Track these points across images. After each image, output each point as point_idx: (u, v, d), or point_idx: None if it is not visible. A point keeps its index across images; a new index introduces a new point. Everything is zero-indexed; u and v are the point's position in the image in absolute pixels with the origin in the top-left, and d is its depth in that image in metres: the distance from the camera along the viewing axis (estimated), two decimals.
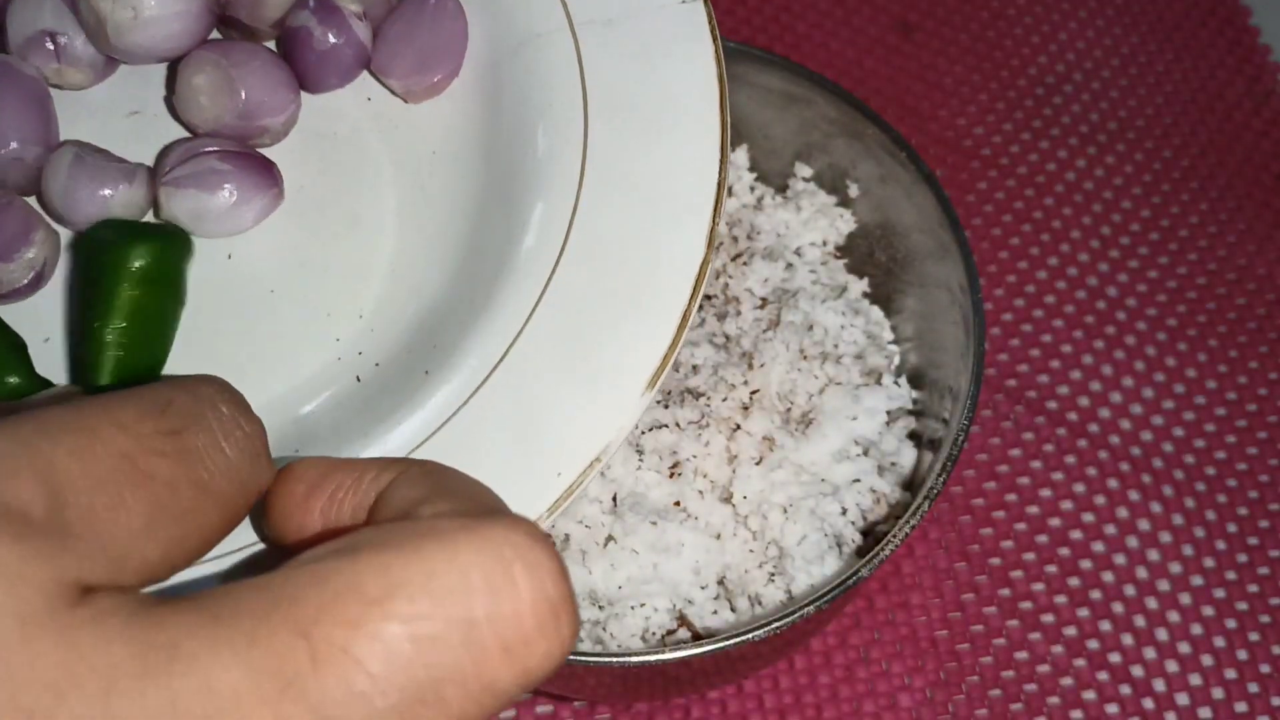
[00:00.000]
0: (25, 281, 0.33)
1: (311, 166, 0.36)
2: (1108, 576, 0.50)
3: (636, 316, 0.31)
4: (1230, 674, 0.48)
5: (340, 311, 0.34)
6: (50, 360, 0.33)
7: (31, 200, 0.34)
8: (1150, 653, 0.49)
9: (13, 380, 0.31)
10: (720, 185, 0.32)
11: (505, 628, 0.18)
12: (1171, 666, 0.48)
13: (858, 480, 0.43)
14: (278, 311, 0.34)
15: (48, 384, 0.32)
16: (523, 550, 0.19)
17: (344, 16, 0.35)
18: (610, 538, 0.41)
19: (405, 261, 0.34)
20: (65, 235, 0.35)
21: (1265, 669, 0.48)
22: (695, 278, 0.31)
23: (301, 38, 0.35)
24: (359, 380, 0.33)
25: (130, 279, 0.31)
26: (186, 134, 0.36)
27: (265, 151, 0.36)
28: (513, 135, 0.35)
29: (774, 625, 0.36)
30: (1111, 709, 0.47)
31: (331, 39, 0.35)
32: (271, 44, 0.37)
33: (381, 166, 0.36)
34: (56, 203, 0.33)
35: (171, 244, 0.32)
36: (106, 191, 0.33)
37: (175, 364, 0.33)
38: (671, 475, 0.42)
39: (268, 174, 0.35)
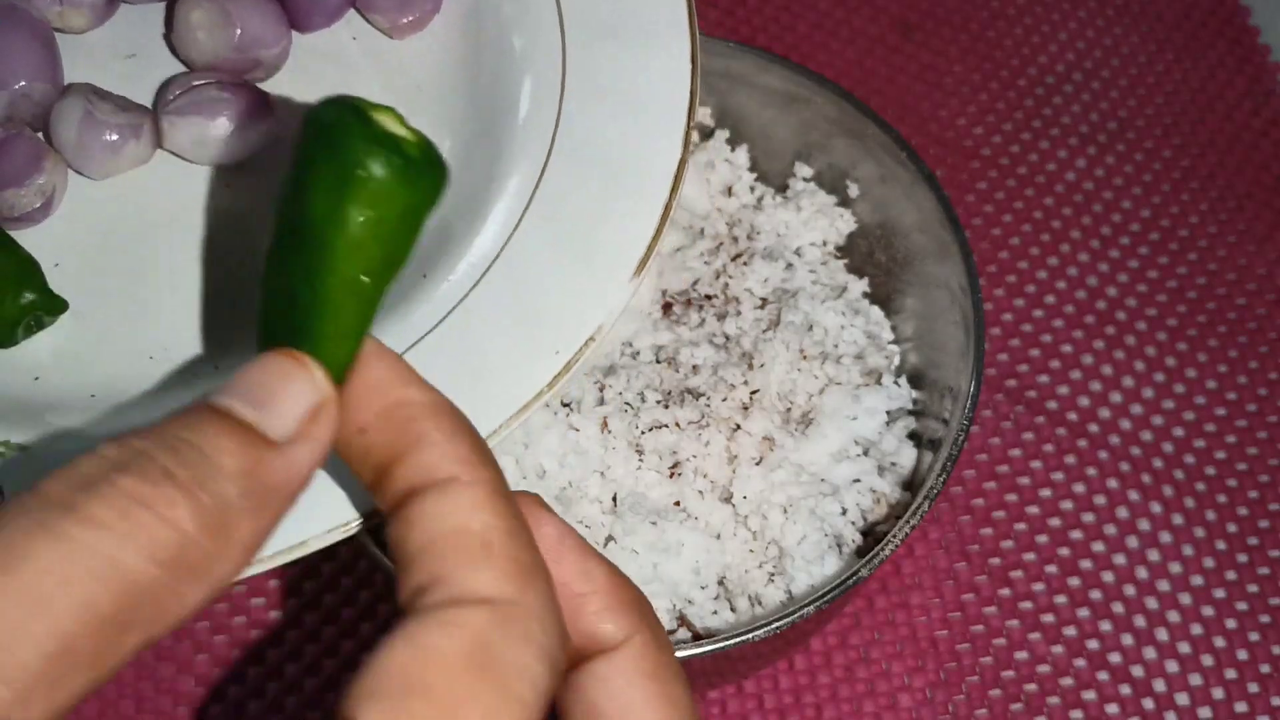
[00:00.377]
0: (37, 206, 0.35)
1: (302, 99, 0.38)
2: (1108, 576, 0.50)
3: (622, 211, 0.33)
4: (1230, 674, 0.48)
5: None
6: (60, 285, 0.34)
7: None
8: (1150, 653, 0.49)
9: (29, 296, 0.33)
10: (693, 92, 0.34)
11: None
12: (1172, 666, 0.48)
13: (858, 480, 0.43)
14: None
15: (62, 303, 0.33)
16: None
17: None
18: (610, 538, 0.41)
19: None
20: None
21: (1265, 669, 0.48)
22: (674, 174, 0.33)
23: None
24: None
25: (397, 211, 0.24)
26: (184, 71, 0.38)
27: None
28: (495, 61, 0.37)
29: (774, 625, 0.36)
30: (1112, 709, 0.47)
31: None
32: None
33: (371, 96, 0.38)
34: (68, 154, 0.35)
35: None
36: (114, 137, 0.35)
37: (181, 290, 0.34)
38: (671, 475, 0.42)
39: (263, 104, 0.36)
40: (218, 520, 0.19)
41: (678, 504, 0.42)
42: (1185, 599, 0.50)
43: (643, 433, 0.42)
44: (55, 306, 0.33)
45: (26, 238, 0.35)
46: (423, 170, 0.23)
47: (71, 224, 0.36)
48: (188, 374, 0.33)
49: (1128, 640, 0.49)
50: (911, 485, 0.44)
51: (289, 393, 0.21)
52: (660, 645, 0.24)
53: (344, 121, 0.22)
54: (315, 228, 0.22)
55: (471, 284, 0.32)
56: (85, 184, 0.36)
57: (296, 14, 0.38)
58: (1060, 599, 0.50)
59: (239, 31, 0.36)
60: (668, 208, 0.33)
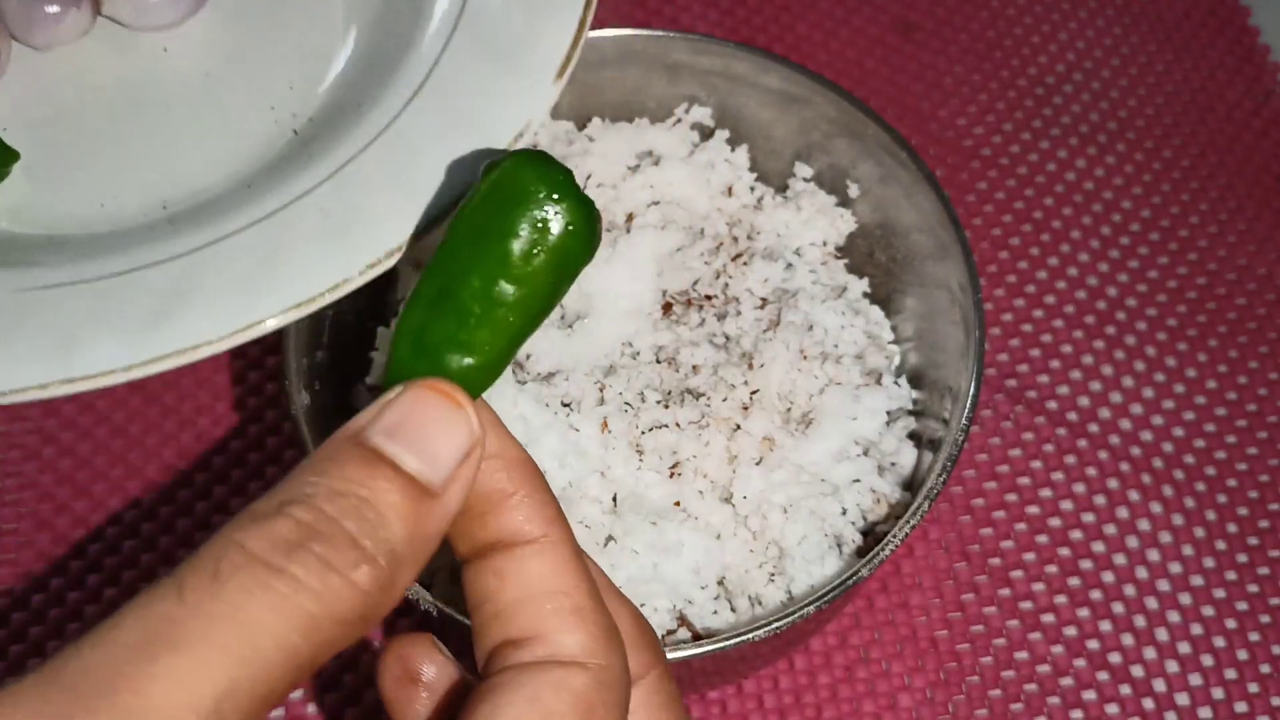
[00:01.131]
0: None
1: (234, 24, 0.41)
2: (1108, 576, 0.50)
3: (542, 21, 0.36)
4: (1230, 674, 0.48)
5: (271, 86, 0.39)
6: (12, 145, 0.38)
7: None
8: (1150, 653, 0.49)
9: None
10: None
11: None
12: (1172, 666, 0.48)
13: (858, 480, 0.43)
14: (214, 93, 0.39)
15: (14, 154, 0.37)
16: None
17: None
18: (610, 538, 0.41)
19: (324, 38, 0.40)
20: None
21: (1265, 669, 0.48)
22: None
23: None
24: (296, 134, 0.38)
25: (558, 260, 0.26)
26: None
27: None
28: None
29: (774, 625, 0.36)
30: (1112, 709, 0.47)
31: None
32: None
33: None
34: (11, 25, 0.38)
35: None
36: (55, 9, 0.39)
37: (128, 144, 0.38)
38: (671, 475, 0.42)
39: None
40: (389, 578, 0.22)
41: (678, 504, 0.42)
42: (1185, 599, 0.50)
43: (643, 433, 0.42)
44: (7, 158, 0.36)
45: None
46: (591, 231, 0.26)
47: (18, 91, 0.39)
48: (139, 214, 0.37)
49: (1128, 640, 0.49)
50: (911, 485, 0.44)
51: (447, 436, 0.23)
52: (671, 678, 0.27)
53: (529, 180, 0.25)
54: (488, 270, 0.25)
55: (402, 105, 0.35)
56: (30, 53, 0.40)
57: None
58: (1060, 599, 0.50)
59: None
60: (584, 21, 0.36)
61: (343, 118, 0.37)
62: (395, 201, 0.33)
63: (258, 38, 0.41)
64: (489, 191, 0.25)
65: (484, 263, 0.25)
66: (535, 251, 0.25)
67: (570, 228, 0.25)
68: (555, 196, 0.25)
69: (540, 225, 0.25)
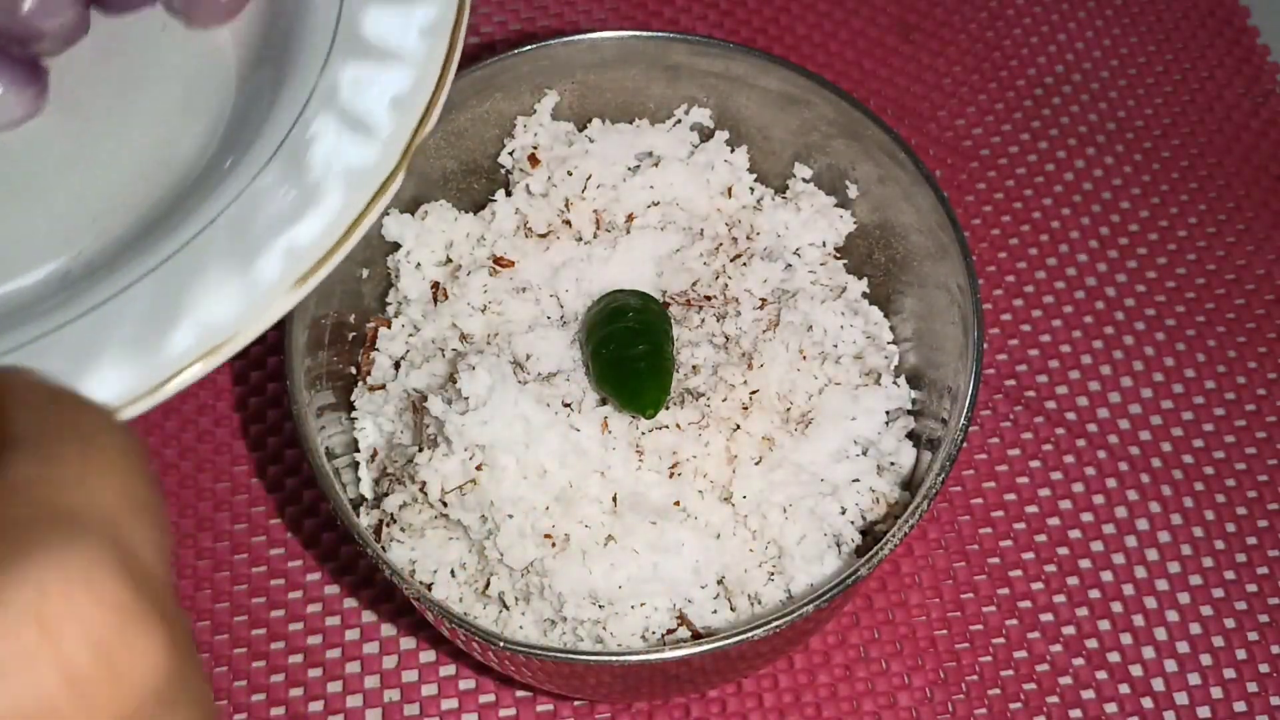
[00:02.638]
0: None
1: (91, 78, 0.41)
2: (1107, 576, 0.50)
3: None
4: (1229, 673, 0.48)
5: (74, 211, 0.39)
6: None
7: None
8: (1149, 652, 0.49)
9: None
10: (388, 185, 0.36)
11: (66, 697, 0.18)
12: (1170, 666, 0.49)
13: (857, 480, 0.43)
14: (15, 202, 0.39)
15: None
16: (55, 606, 0.18)
17: None
18: (610, 537, 0.41)
19: (150, 162, 0.39)
20: None
21: (1264, 668, 0.48)
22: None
23: None
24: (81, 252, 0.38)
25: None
26: None
27: (53, 60, 0.41)
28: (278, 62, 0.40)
29: (773, 624, 0.36)
30: (1111, 708, 0.48)
31: None
32: None
33: (160, 85, 0.41)
34: None
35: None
36: None
37: None
38: (671, 475, 0.42)
39: (31, 74, 0.39)
40: None
41: (678, 504, 0.42)
42: (1184, 598, 0.50)
43: (643, 433, 0.42)
44: None
45: None
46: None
47: None
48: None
49: (1127, 639, 0.49)
50: (910, 485, 0.44)
51: None
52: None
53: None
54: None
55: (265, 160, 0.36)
56: None
57: None
58: (1059, 598, 0.50)
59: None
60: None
61: (131, 255, 0.36)
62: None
63: (84, 153, 0.41)
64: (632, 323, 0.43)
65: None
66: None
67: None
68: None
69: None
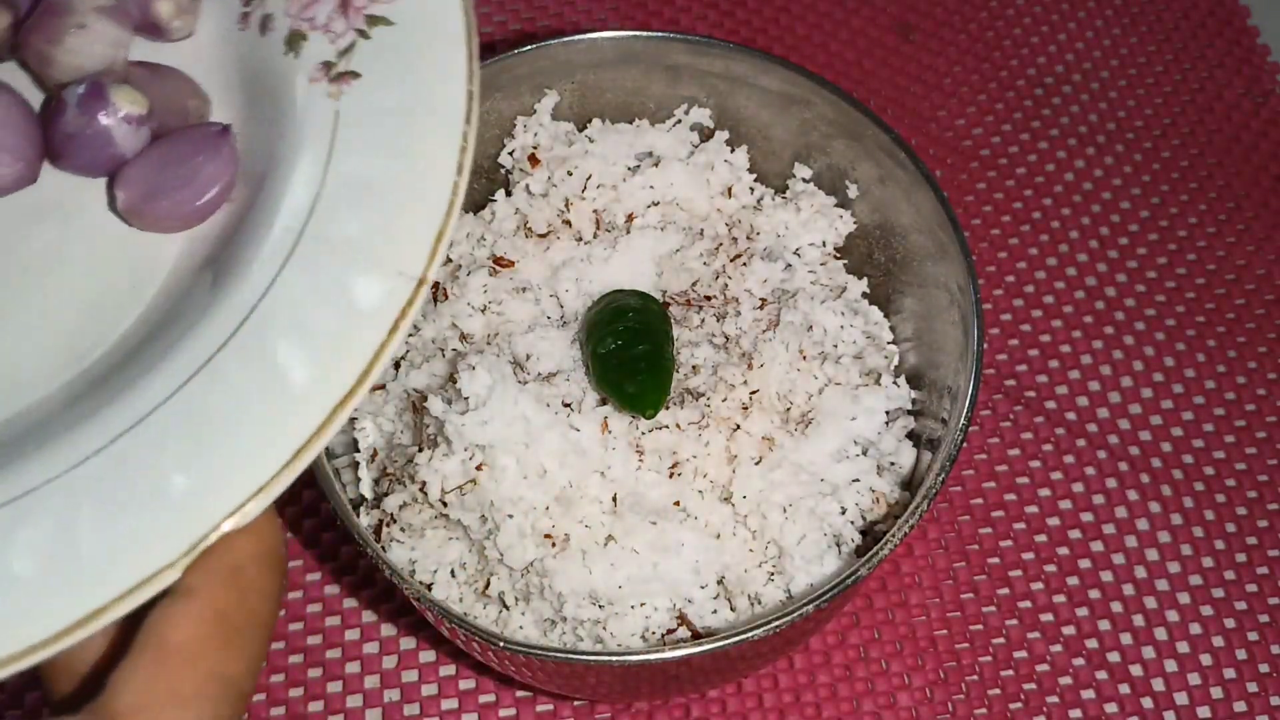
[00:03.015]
0: None
1: (21, 232, 0.34)
2: (1107, 576, 0.50)
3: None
4: (1229, 673, 0.48)
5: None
6: None
7: None
8: (1149, 652, 0.49)
9: None
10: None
11: None
12: (1170, 666, 0.49)
13: (857, 480, 0.43)
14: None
15: None
16: None
17: (107, 109, 0.33)
18: (610, 538, 0.41)
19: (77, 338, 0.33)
20: None
21: (1264, 668, 0.48)
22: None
23: (57, 109, 0.34)
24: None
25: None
26: None
27: None
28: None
29: (773, 624, 0.36)
30: (1111, 708, 0.48)
31: (78, 124, 0.33)
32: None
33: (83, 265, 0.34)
34: None
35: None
36: None
37: None
38: (671, 475, 0.42)
39: None
40: None
41: (678, 504, 0.42)
42: (1184, 598, 0.50)
43: (643, 433, 0.42)
44: None
45: None
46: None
47: None
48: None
49: (1127, 639, 0.49)
50: (910, 485, 0.44)
51: None
52: None
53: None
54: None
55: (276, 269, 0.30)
56: None
57: (51, 146, 0.34)
58: (1059, 598, 0.50)
59: None
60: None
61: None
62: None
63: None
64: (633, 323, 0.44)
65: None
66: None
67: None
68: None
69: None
